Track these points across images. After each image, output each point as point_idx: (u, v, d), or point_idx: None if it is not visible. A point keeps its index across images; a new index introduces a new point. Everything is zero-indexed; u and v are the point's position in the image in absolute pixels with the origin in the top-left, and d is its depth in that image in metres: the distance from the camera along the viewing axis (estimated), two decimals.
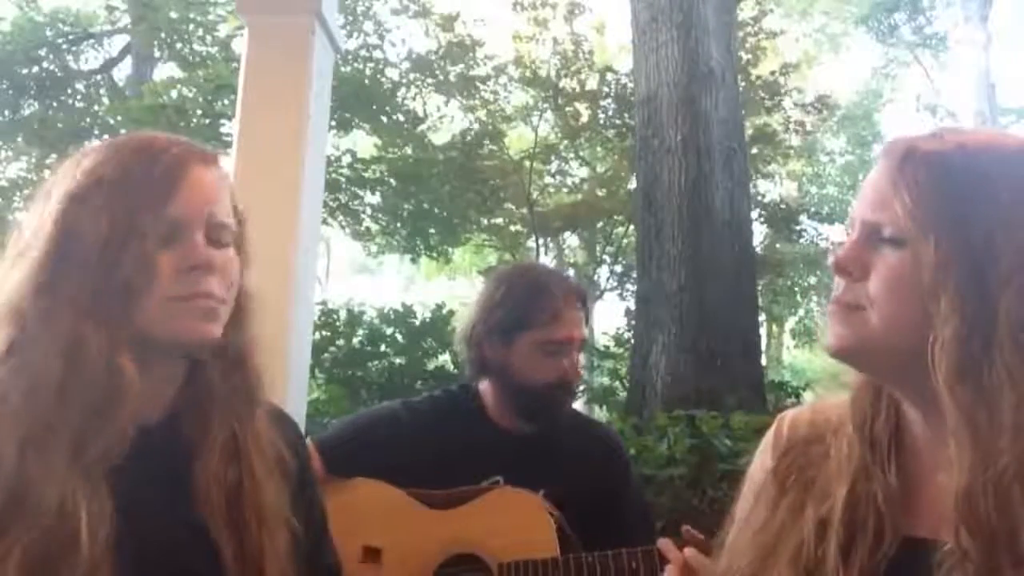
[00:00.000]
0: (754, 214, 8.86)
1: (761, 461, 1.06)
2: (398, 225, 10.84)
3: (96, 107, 10.80)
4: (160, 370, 1.08)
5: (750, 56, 10.53)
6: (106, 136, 9.57)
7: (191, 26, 10.19)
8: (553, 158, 11.32)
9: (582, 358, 1.94)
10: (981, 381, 0.83)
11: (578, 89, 10.42)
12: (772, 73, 10.67)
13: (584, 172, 11.97)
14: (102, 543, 0.94)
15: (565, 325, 1.81)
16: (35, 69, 10.43)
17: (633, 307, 8.03)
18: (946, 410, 0.85)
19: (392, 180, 10.10)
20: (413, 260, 12.31)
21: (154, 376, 1.07)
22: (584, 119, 10.48)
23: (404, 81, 10.35)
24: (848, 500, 0.93)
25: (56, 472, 0.95)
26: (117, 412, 0.99)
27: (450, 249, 11.83)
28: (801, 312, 14.55)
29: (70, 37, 10.85)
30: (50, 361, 0.98)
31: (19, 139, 10.33)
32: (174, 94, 9.55)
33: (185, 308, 1.03)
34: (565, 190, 11.62)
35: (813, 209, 12.63)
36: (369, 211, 10.70)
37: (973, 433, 0.83)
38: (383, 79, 10.12)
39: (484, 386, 1.91)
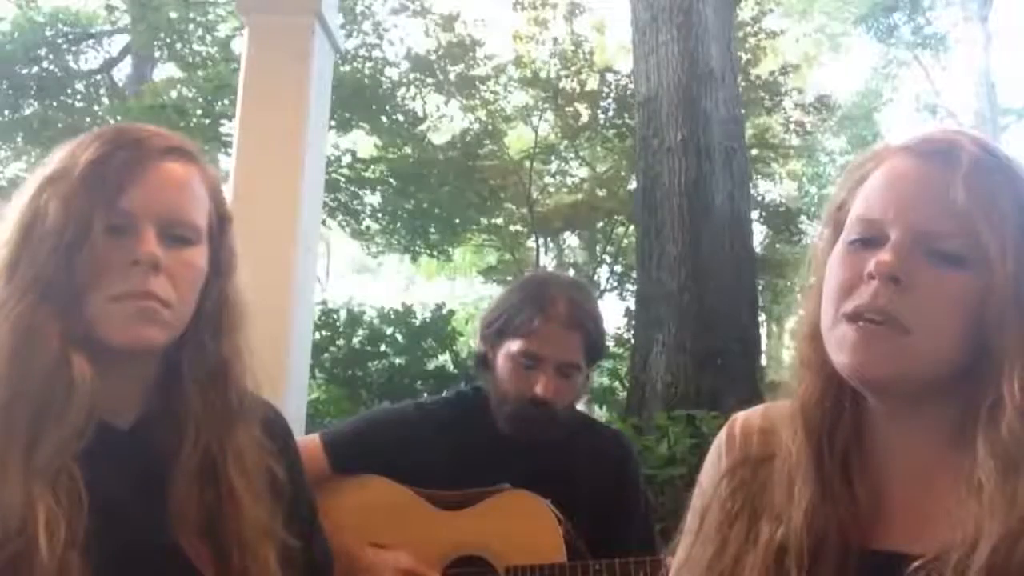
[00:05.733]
0: (754, 214, 8.86)
1: (713, 469, 1.00)
2: (398, 225, 10.83)
3: (96, 107, 10.79)
4: (122, 369, 1.04)
5: (750, 56, 10.52)
6: None
7: (191, 26, 10.18)
8: (553, 158, 11.31)
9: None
10: None
11: (578, 89, 10.41)
12: (772, 73, 10.66)
13: (584, 172, 11.96)
14: (62, 544, 0.90)
15: (541, 340, 1.74)
16: (35, 69, 10.43)
17: (633, 307, 8.03)
18: (1000, 442, 0.80)
19: (392, 180, 10.10)
20: (413, 260, 12.32)
21: (118, 375, 1.03)
22: (584, 119, 10.47)
23: (404, 81, 10.35)
24: (806, 520, 0.86)
25: (10, 473, 0.92)
26: (69, 409, 0.95)
27: (450, 249, 11.83)
28: (801, 312, 14.50)
29: (70, 37, 10.84)
30: (5, 349, 0.96)
31: (19, 139, 10.34)
32: (174, 94, 9.56)
33: (121, 308, 0.98)
34: (565, 190, 11.61)
35: (813, 210, 12.62)
36: (369, 211, 10.69)
37: None
38: (383, 79, 10.11)
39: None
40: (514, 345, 1.76)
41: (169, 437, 1.05)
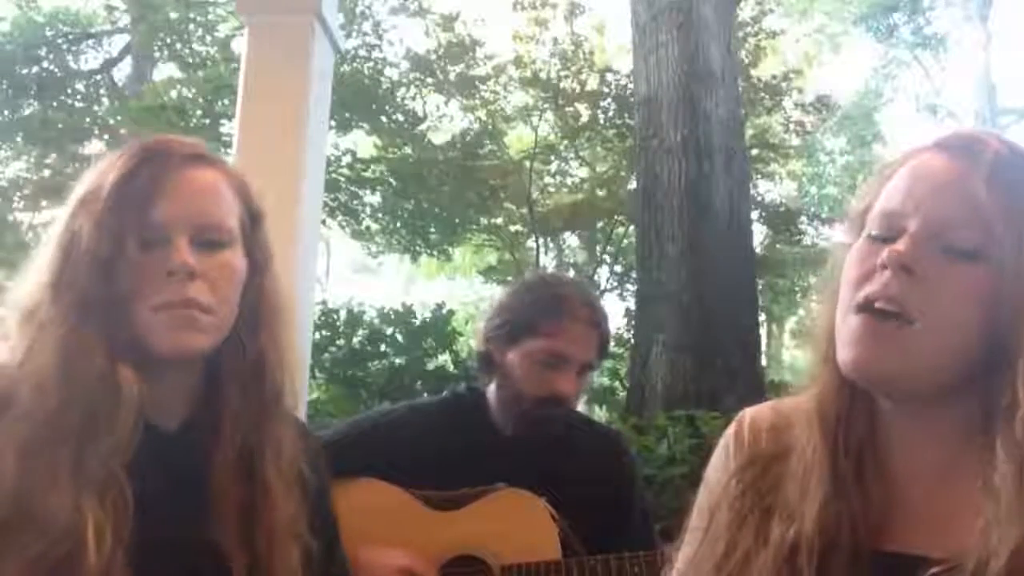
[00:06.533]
0: (754, 214, 8.86)
1: (722, 466, 0.99)
2: (398, 225, 10.83)
3: (96, 107, 10.78)
4: (169, 377, 1.07)
5: (750, 56, 10.52)
6: (106, 136, 9.60)
7: (191, 26, 10.18)
8: (553, 158, 11.31)
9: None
10: None
11: (578, 89, 10.41)
12: (774, 77, 10.68)
13: (584, 172, 11.96)
14: (109, 551, 0.93)
15: (567, 340, 1.76)
16: (35, 69, 10.41)
17: (633, 307, 8.03)
18: (1016, 443, 0.79)
19: (392, 180, 10.10)
20: (413, 260, 12.32)
21: (165, 383, 1.06)
22: (584, 119, 10.48)
23: (404, 81, 10.35)
24: (819, 518, 0.85)
25: (60, 480, 0.94)
26: (117, 420, 0.98)
27: (450, 249, 11.84)
28: (801, 312, 14.53)
29: (70, 37, 10.84)
30: (53, 366, 0.98)
31: (19, 139, 10.33)
32: (174, 94, 9.56)
33: (165, 318, 1.01)
34: (565, 190, 11.61)
35: (813, 210, 12.64)
36: (369, 211, 10.69)
37: None
38: (383, 79, 10.11)
39: (492, 389, 1.90)
40: (535, 345, 1.76)
41: (210, 437, 1.07)
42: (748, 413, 1.01)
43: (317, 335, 6.43)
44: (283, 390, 1.12)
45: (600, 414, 7.92)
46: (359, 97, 9.20)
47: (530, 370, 1.77)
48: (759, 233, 10.39)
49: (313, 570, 1.11)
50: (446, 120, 10.86)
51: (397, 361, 6.94)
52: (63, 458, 0.95)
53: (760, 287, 8.73)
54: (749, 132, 9.41)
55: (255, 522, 1.06)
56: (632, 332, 7.68)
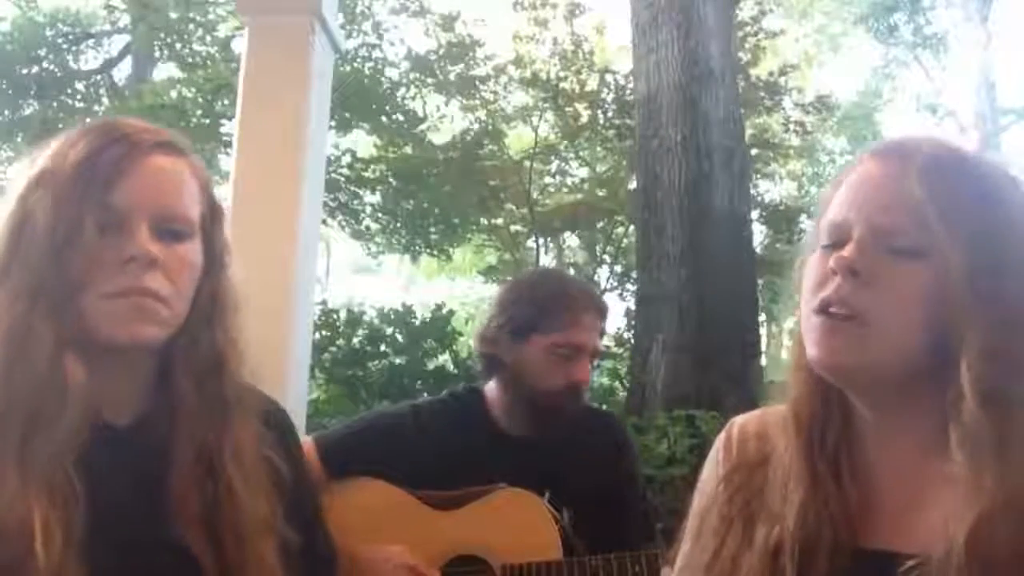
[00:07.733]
0: (754, 214, 8.85)
1: (711, 473, 1.02)
2: (398, 225, 10.83)
3: (96, 107, 10.79)
4: (119, 367, 1.03)
5: (750, 56, 10.52)
6: None
7: (191, 26, 10.19)
8: (553, 158, 11.30)
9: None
10: (1011, 400, 0.81)
11: (578, 89, 10.41)
12: (771, 74, 10.67)
13: (584, 172, 11.95)
14: (59, 551, 0.89)
15: (582, 330, 1.80)
16: (35, 69, 10.43)
17: (633, 307, 8.02)
18: (965, 431, 0.82)
19: (392, 180, 10.10)
20: (413, 260, 12.31)
21: (115, 373, 1.02)
22: (584, 119, 10.47)
23: (404, 81, 10.35)
24: (799, 519, 0.88)
25: (6, 478, 0.91)
26: (62, 413, 0.94)
27: (450, 249, 11.83)
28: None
29: (70, 37, 10.85)
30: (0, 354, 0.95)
31: (19, 139, 10.33)
32: (174, 94, 9.55)
33: (118, 305, 0.97)
34: (565, 190, 11.60)
35: (813, 209, 12.62)
36: (369, 211, 10.69)
37: (1000, 456, 0.80)
38: (383, 79, 10.11)
39: (491, 388, 1.90)
40: (551, 338, 1.79)
41: (167, 432, 1.04)
42: (736, 422, 1.05)
43: (317, 335, 6.42)
44: (243, 387, 1.08)
45: None
46: (359, 97, 9.21)
47: (547, 363, 1.79)
48: (759, 233, 10.38)
49: (293, 557, 1.08)
50: (446, 120, 10.84)
51: (397, 361, 6.94)
52: (8, 454, 0.91)
53: (760, 287, 8.72)
54: (749, 132, 9.40)
55: (221, 525, 1.02)
56: (632, 332, 7.67)
